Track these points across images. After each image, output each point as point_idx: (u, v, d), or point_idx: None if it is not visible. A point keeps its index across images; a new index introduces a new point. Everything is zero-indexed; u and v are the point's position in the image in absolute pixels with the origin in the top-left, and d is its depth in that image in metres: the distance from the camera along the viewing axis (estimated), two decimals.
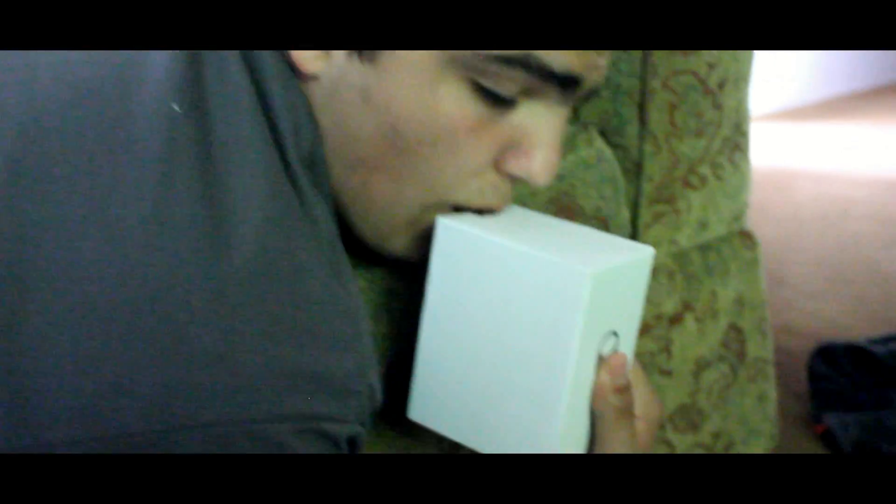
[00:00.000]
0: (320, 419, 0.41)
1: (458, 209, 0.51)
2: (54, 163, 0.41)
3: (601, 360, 0.49)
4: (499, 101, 0.47)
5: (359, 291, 0.48)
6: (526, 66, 0.45)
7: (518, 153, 0.49)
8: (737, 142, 0.82)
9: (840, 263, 1.79)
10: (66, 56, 0.44)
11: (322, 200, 0.49)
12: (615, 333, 0.50)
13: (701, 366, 0.87)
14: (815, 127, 3.13)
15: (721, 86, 0.78)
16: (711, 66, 0.77)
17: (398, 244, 0.53)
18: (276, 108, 0.46)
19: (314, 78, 0.49)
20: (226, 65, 0.45)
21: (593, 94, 0.50)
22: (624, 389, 0.49)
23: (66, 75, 0.43)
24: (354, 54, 0.47)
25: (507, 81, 0.46)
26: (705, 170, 0.81)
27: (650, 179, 0.78)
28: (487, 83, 0.46)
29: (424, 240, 0.52)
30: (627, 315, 0.51)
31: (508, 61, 0.45)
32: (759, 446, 0.94)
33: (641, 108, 0.76)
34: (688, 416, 0.87)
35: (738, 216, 0.87)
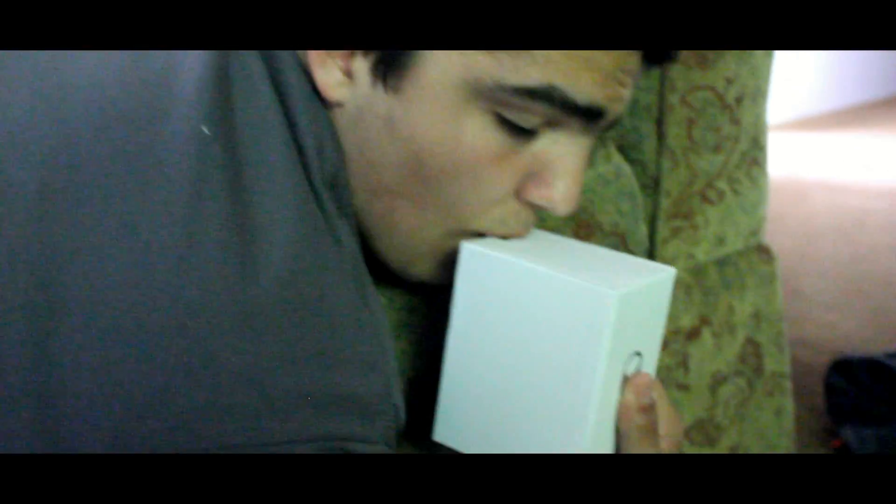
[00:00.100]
0: (347, 440, 0.41)
1: (480, 235, 0.51)
2: (85, 187, 0.41)
3: (625, 379, 0.49)
4: (521, 132, 0.47)
5: (383, 311, 0.48)
6: (549, 99, 0.45)
7: (539, 182, 0.49)
8: (754, 156, 0.82)
9: (856, 275, 1.79)
10: (96, 79, 0.44)
11: (345, 222, 0.49)
12: (639, 354, 0.50)
13: (718, 380, 0.87)
14: (830, 137, 3.12)
15: (739, 101, 0.78)
16: (729, 82, 0.77)
17: (422, 269, 0.53)
18: (300, 130, 0.47)
19: (339, 105, 0.49)
20: (254, 87, 0.46)
21: (616, 124, 0.50)
22: (649, 409, 0.49)
23: (96, 99, 0.44)
24: (379, 83, 0.47)
25: (530, 114, 0.46)
26: (723, 185, 0.81)
27: (668, 195, 0.78)
28: (510, 116, 0.46)
29: (448, 265, 0.52)
30: (650, 335, 0.51)
31: (532, 94, 0.45)
32: None
33: (659, 124, 0.76)
34: (705, 430, 0.87)
35: (756, 230, 0.87)
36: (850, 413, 1.19)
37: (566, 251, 0.52)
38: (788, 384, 0.94)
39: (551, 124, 0.48)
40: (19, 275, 0.39)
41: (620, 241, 0.73)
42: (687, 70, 0.75)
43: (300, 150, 0.47)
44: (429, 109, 0.46)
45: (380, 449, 0.43)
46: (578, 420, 0.48)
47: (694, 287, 0.83)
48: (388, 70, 0.47)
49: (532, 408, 0.50)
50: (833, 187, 2.45)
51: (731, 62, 0.77)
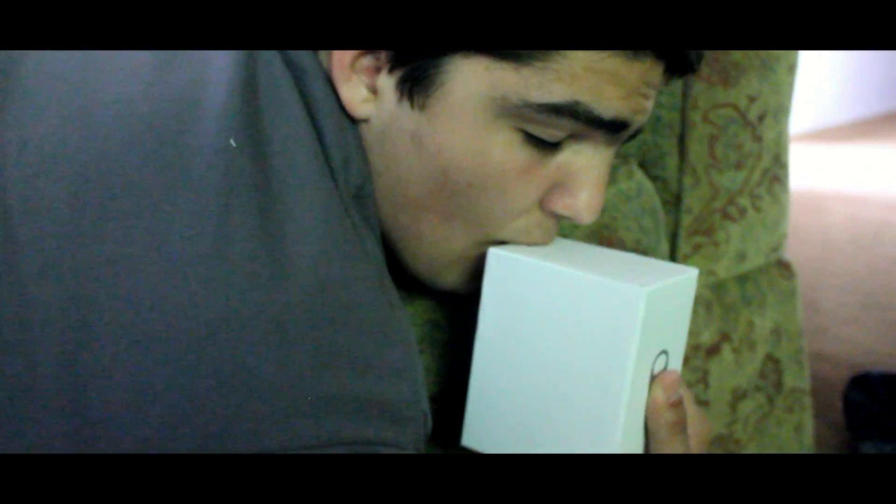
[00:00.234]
0: (379, 444, 0.42)
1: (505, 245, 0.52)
2: (115, 200, 0.42)
3: (653, 378, 0.50)
4: (546, 145, 0.48)
5: (409, 321, 0.49)
6: (574, 114, 0.46)
7: (563, 193, 0.50)
8: (776, 173, 0.83)
9: (873, 288, 1.78)
10: (123, 94, 0.45)
11: (371, 234, 0.50)
12: (665, 352, 0.51)
13: (737, 396, 0.87)
14: (848, 148, 3.10)
15: (761, 118, 0.79)
16: (752, 99, 0.77)
17: (450, 279, 0.54)
18: (327, 143, 0.48)
19: (364, 121, 0.50)
20: (283, 100, 0.47)
21: (638, 134, 0.51)
22: (677, 405, 0.50)
23: (124, 114, 0.44)
24: (405, 100, 0.48)
25: (554, 129, 0.47)
26: (744, 201, 0.81)
27: (689, 211, 0.78)
28: (535, 131, 0.47)
29: (475, 273, 0.53)
30: (676, 334, 0.52)
31: (557, 110, 0.46)
32: None
33: (681, 141, 0.76)
34: (724, 446, 0.87)
35: (777, 247, 0.87)
36: (869, 428, 1.19)
37: (589, 255, 0.52)
38: (808, 400, 0.93)
39: (575, 137, 0.48)
40: (52, 288, 0.40)
41: None
42: (709, 87, 0.75)
43: (327, 163, 0.47)
44: (456, 126, 0.47)
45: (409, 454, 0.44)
46: (609, 419, 0.48)
47: (714, 303, 0.83)
48: (415, 87, 0.47)
49: (561, 409, 0.50)
50: (851, 199, 2.44)
51: (753, 80, 0.77)
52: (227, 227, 0.41)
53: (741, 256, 0.83)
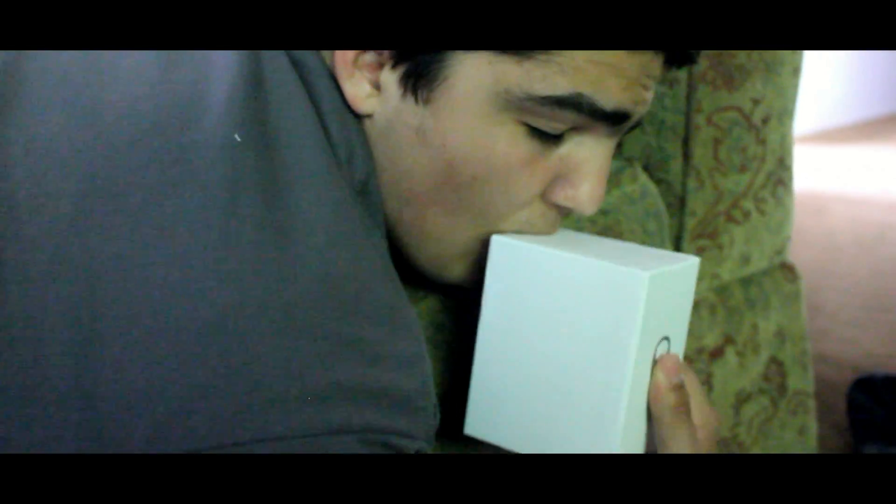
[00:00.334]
0: (389, 433, 0.42)
1: None
2: (121, 196, 0.42)
3: (655, 363, 0.50)
4: (549, 137, 0.49)
5: (415, 314, 0.49)
6: (577, 106, 0.47)
7: (565, 184, 0.51)
8: (780, 176, 0.83)
9: (877, 290, 1.78)
10: (128, 94, 0.46)
11: (376, 228, 0.50)
12: (667, 339, 0.51)
13: (741, 399, 0.87)
14: (850, 150, 3.10)
15: (765, 121, 0.79)
16: (756, 102, 0.77)
17: (455, 272, 0.55)
18: (332, 138, 0.48)
19: (368, 116, 0.50)
20: (290, 96, 0.47)
21: (637, 125, 0.52)
22: (679, 388, 0.50)
23: (129, 113, 0.45)
24: (409, 95, 0.48)
25: (557, 122, 0.48)
26: (748, 204, 0.81)
27: (693, 214, 0.78)
28: (538, 124, 0.48)
29: (480, 266, 0.53)
30: (678, 321, 0.52)
31: (560, 103, 0.46)
32: None
33: (685, 144, 0.76)
34: (728, 449, 0.87)
35: (780, 249, 0.87)
36: (873, 431, 1.18)
37: (592, 243, 0.53)
38: (812, 403, 0.93)
39: (576, 129, 0.49)
40: (61, 283, 0.40)
41: None
42: (713, 91, 0.75)
43: (335, 157, 0.48)
44: (460, 119, 0.48)
45: (420, 445, 0.44)
46: (612, 404, 0.49)
47: (718, 306, 0.83)
48: (418, 82, 0.48)
49: (564, 394, 0.50)
50: (853, 201, 2.44)
51: (757, 83, 0.77)
52: (233, 220, 0.42)
53: (745, 259, 0.83)
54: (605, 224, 0.70)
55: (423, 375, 0.45)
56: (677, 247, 0.79)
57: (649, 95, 0.49)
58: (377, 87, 0.49)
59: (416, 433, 0.43)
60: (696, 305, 0.81)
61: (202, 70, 0.47)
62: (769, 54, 0.77)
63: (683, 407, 0.50)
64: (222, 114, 0.44)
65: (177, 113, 0.44)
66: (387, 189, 0.52)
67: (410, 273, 0.55)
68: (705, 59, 0.74)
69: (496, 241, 0.52)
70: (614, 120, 0.48)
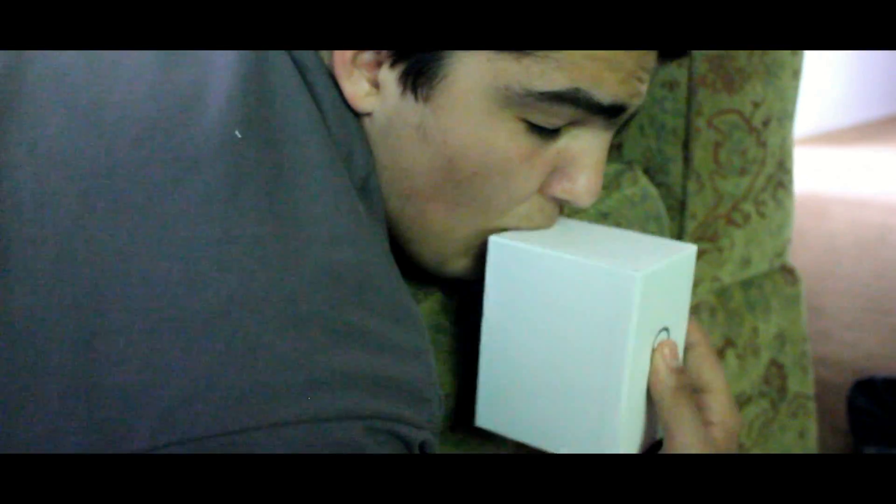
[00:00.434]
0: (394, 420, 0.42)
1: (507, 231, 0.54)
2: (124, 194, 0.42)
3: (654, 353, 0.51)
4: (547, 132, 0.50)
5: (419, 309, 0.49)
6: (575, 101, 0.48)
7: (563, 177, 0.52)
8: (780, 179, 0.83)
9: (878, 292, 1.78)
10: (128, 94, 0.46)
11: (377, 224, 0.51)
12: (666, 329, 0.52)
13: (742, 401, 0.87)
14: (850, 152, 3.11)
15: (765, 124, 0.79)
16: (756, 105, 0.77)
17: (456, 266, 0.55)
18: (332, 136, 0.49)
19: (367, 115, 0.51)
20: (293, 93, 0.48)
21: (633, 117, 0.53)
22: (677, 371, 0.51)
23: (130, 113, 0.45)
24: (408, 93, 0.49)
25: (555, 117, 0.49)
26: (749, 207, 0.81)
27: (693, 217, 0.78)
28: (537, 119, 0.48)
29: (480, 260, 0.54)
30: (677, 311, 0.53)
31: (559, 99, 0.47)
32: None
33: (686, 147, 0.76)
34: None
35: (781, 252, 0.87)
36: (873, 434, 1.18)
37: (589, 236, 0.54)
38: (812, 405, 0.94)
39: (573, 123, 0.50)
40: (66, 280, 0.41)
41: None
42: (714, 94, 0.75)
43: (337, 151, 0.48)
44: (461, 116, 0.48)
45: (426, 435, 0.44)
46: (612, 398, 0.50)
47: (718, 309, 0.83)
48: (418, 80, 0.48)
49: (567, 389, 0.51)
50: (853, 202, 2.44)
51: (757, 86, 0.77)
52: (235, 213, 0.42)
53: (745, 262, 0.83)
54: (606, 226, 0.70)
55: (429, 367, 0.45)
56: None
57: (644, 87, 0.50)
58: (376, 85, 0.50)
59: (422, 423, 0.43)
60: (696, 308, 0.81)
61: (202, 69, 0.47)
62: (769, 57, 0.77)
63: (683, 389, 0.51)
64: (223, 111, 0.45)
65: (177, 111, 0.45)
66: (388, 186, 0.52)
67: (410, 272, 0.56)
68: (705, 62, 0.74)
69: (494, 242, 0.53)
70: (611, 113, 0.49)
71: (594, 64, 0.47)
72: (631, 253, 0.51)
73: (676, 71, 0.74)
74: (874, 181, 2.66)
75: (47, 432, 0.39)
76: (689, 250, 0.53)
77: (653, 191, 0.75)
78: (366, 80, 0.50)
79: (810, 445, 0.94)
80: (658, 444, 0.55)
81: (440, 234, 0.53)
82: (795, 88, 0.82)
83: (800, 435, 0.93)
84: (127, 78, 0.47)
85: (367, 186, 0.51)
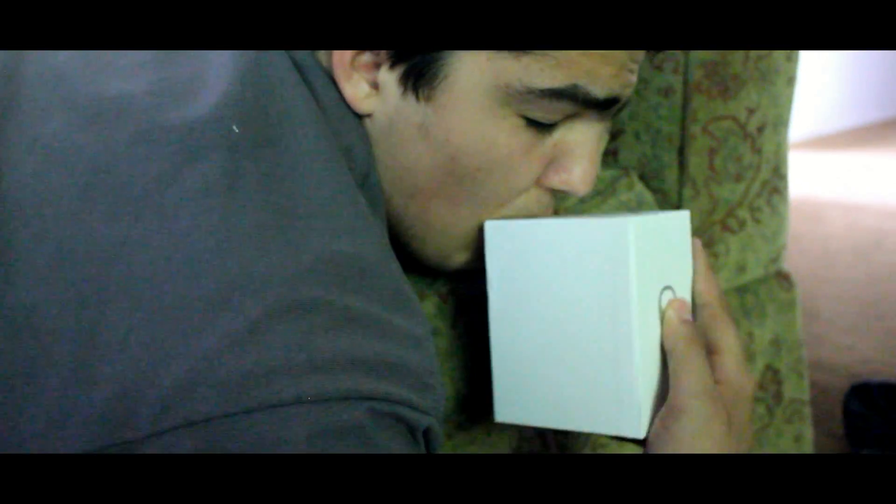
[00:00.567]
0: (399, 403, 0.42)
1: None
2: (124, 187, 0.43)
3: (661, 314, 0.52)
4: (544, 127, 0.51)
5: (418, 299, 0.49)
6: (573, 97, 0.49)
7: (559, 168, 0.53)
8: (775, 185, 0.83)
9: (873, 297, 1.78)
10: (126, 91, 0.47)
11: (378, 220, 0.51)
12: (670, 289, 0.52)
13: None
14: (846, 156, 3.11)
15: (760, 130, 0.79)
16: (751, 112, 0.77)
17: (459, 260, 0.56)
18: (332, 129, 0.49)
19: (368, 116, 0.52)
20: (292, 86, 0.48)
21: (624, 107, 0.54)
22: (690, 323, 0.51)
23: (128, 109, 0.46)
24: (409, 93, 0.50)
25: (554, 112, 0.50)
26: (744, 213, 0.81)
27: None
28: (536, 115, 0.50)
29: (481, 252, 0.55)
30: (679, 272, 0.53)
31: (558, 95, 0.49)
32: None
33: (681, 153, 0.76)
34: None
35: (776, 258, 0.88)
36: (869, 439, 1.18)
37: (580, 215, 0.56)
38: (808, 411, 0.94)
39: (569, 116, 0.51)
40: (67, 272, 0.41)
41: None
42: (709, 100, 0.75)
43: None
44: (463, 115, 0.49)
45: (430, 421, 0.44)
46: (625, 355, 0.50)
47: None
48: (419, 80, 0.49)
49: (580, 358, 0.51)
50: (849, 207, 2.44)
51: (752, 92, 0.77)
52: (234, 203, 0.42)
53: (740, 268, 0.84)
54: None
55: (430, 355, 0.45)
56: None
57: (635, 78, 0.52)
58: (375, 86, 0.51)
59: (427, 408, 0.43)
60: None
61: (199, 65, 0.48)
62: (764, 64, 0.77)
63: (695, 337, 0.50)
64: (220, 106, 0.45)
65: (175, 107, 0.45)
66: (390, 185, 0.53)
67: (411, 267, 0.56)
68: (700, 68, 0.74)
69: (489, 225, 0.54)
70: (606, 106, 0.51)
71: (589, 60, 0.48)
72: (622, 216, 0.52)
73: (672, 77, 0.74)
74: (869, 185, 2.67)
75: (50, 424, 0.39)
76: (681, 213, 0.54)
77: (648, 197, 0.75)
78: (365, 82, 0.51)
79: (806, 450, 0.95)
80: None
81: (443, 230, 0.54)
82: (790, 95, 0.82)
83: (795, 440, 0.93)
84: (124, 74, 0.47)
85: (367, 183, 0.51)
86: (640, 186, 0.75)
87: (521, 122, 0.50)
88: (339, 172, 0.47)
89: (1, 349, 0.40)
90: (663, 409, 0.49)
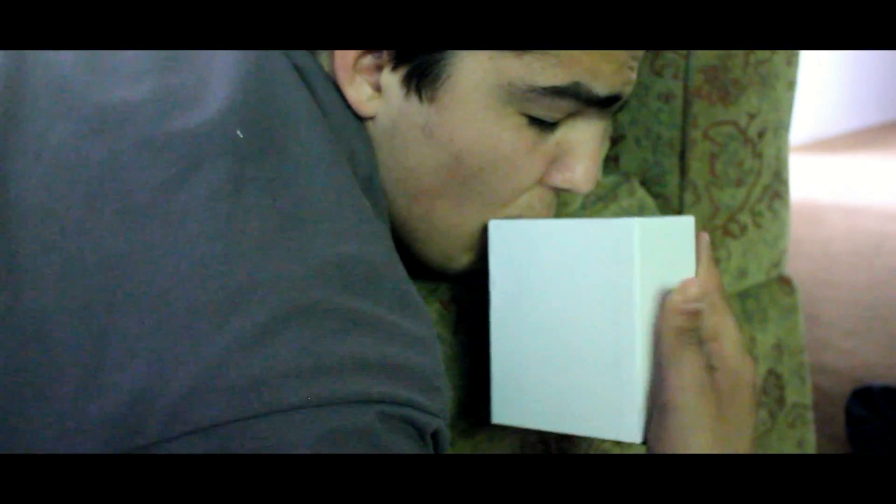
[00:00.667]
0: (408, 405, 0.42)
1: None
2: (129, 196, 0.43)
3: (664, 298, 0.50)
4: (547, 125, 0.51)
5: (424, 302, 0.49)
6: (576, 95, 0.49)
7: (562, 167, 0.53)
8: (776, 189, 0.83)
9: (875, 300, 1.78)
10: (130, 98, 0.47)
11: (381, 222, 0.51)
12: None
13: None
14: (846, 159, 3.11)
15: (761, 135, 0.79)
16: (751, 117, 0.77)
17: (462, 262, 0.56)
18: (335, 133, 0.49)
19: (371, 118, 0.52)
20: (294, 90, 0.48)
21: (623, 107, 0.55)
22: (691, 314, 0.48)
23: (132, 117, 0.46)
24: (413, 94, 0.50)
25: (556, 110, 0.50)
26: (745, 218, 0.81)
27: None
28: (538, 113, 0.50)
29: (484, 253, 0.55)
30: (682, 275, 0.52)
31: (561, 93, 0.49)
32: None
33: (682, 159, 0.76)
34: None
35: (777, 262, 0.87)
36: (872, 443, 1.18)
37: (582, 218, 0.55)
38: (810, 415, 0.94)
39: (571, 114, 0.51)
40: (75, 282, 0.41)
41: None
42: (709, 105, 0.75)
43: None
44: (466, 114, 0.50)
45: (438, 423, 0.44)
46: (626, 357, 0.49)
47: None
48: (421, 81, 0.49)
49: (581, 360, 0.51)
50: (850, 210, 2.44)
51: (752, 97, 0.77)
52: (239, 209, 0.43)
53: (742, 273, 0.84)
54: None
55: (436, 357, 0.46)
56: None
57: (634, 76, 0.52)
58: (378, 89, 0.51)
59: (436, 411, 0.44)
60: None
61: (201, 72, 0.48)
62: (764, 69, 0.77)
63: (691, 332, 0.48)
64: (224, 111, 0.45)
65: (178, 114, 0.46)
66: (394, 188, 0.53)
67: (414, 271, 0.56)
68: (700, 74, 0.74)
69: (493, 224, 0.54)
70: (607, 103, 0.51)
71: (590, 58, 0.48)
72: (626, 216, 0.52)
73: (672, 83, 0.74)
74: (870, 188, 2.67)
75: (60, 432, 0.39)
76: (685, 217, 0.53)
77: (650, 202, 0.75)
78: (368, 85, 0.51)
79: None
80: None
81: (447, 231, 0.54)
82: (790, 99, 0.82)
83: (798, 445, 0.93)
84: (127, 82, 0.48)
85: (370, 186, 0.51)
86: (641, 192, 0.75)
87: (524, 121, 0.50)
88: (343, 176, 0.47)
89: (11, 359, 0.40)
90: (657, 407, 0.49)
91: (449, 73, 0.49)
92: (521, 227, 0.53)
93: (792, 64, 0.81)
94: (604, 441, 0.72)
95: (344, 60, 0.50)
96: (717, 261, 0.81)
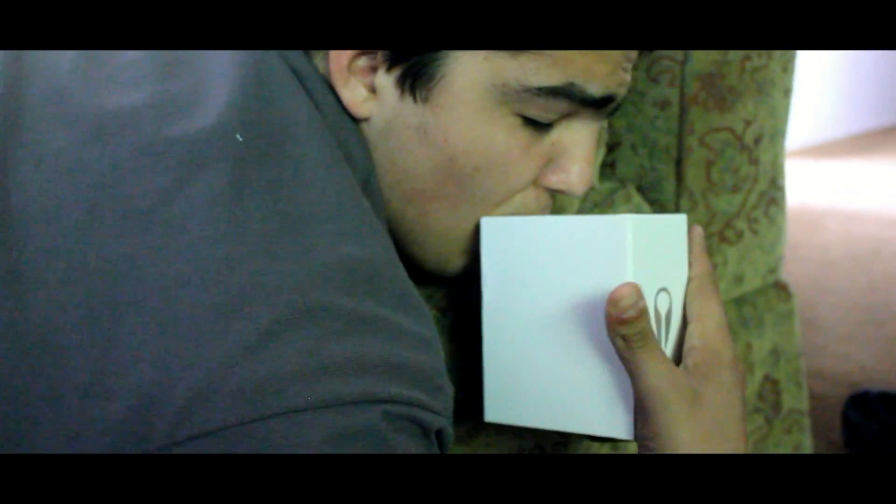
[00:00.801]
0: (412, 404, 0.42)
1: None
2: (131, 201, 0.43)
3: (658, 317, 0.51)
4: (541, 126, 0.51)
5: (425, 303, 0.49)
6: (570, 95, 0.50)
7: (557, 168, 0.54)
8: (773, 196, 0.83)
9: (872, 305, 1.78)
10: (129, 104, 0.47)
11: (379, 223, 0.51)
12: (666, 291, 0.52)
13: None
14: (843, 164, 3.12)
15: (757, 141, 0.79)
16: (748, 123, 0.78)
17: (458, 264, 0.56)
18: (333, 135, 0.50)
19: (366, 120, 0.52)
20: (293, 93, 0.49)
21: (619, 107, 0.54)
22: (629, 320, 0.47)
23: (132, 123, 0.46)
24: (407, 95, 0.50)
25: (550, 111, 0.50)
26: (741, 224, 0.81)
27: None
28: (533, 114, 0.50)
29: (478, 255, 0.55)
30: (674, 275, 0.53)
31: (555, 93, 0.49)
32: None
33: (678, 165, 0.76)
34: None
35: (774, 268, 0.88)
36: (868, 448, 1.18)
37: (574, 215, 0.56)
38: (807, 421, 0.94)
39: (565, 115, 0.52)
40: (79, 287, 0.42)
41: None
42: (706, 112, 0.75)
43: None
44: (461, 115, 0.50)
45: (442, 422, 0.44)
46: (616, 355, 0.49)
47: None
48: (416, 82, 0.50)
49: (573, 356, 0.51)
50: (847, 215, 2.44)
51: (749, 104, 0.77)
52: (240, 212, 0.43)
53: (738, 279, 0.84)
54: None
55: (439, 357, 0.46)
56: None
57: (629, 77, 0.52)
58: (373, 90, 0.51)
59: (440, 409, 0.44)
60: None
61: (199, 77, 0.48)
62: (760, 75, 0.77)
63: (638, 335, 0.47)
64: (223, 115, 0.46)
65: (177, 119, 0.46)
66: (389, 190, 0.53)
67: (409, 274, 0.56)
68: (697, 80, 0.74)
69: (485, 221, 0.54)
70: (601, 104, 0.51)
71: (585, 58, 0.49)
72: (620, 214, 0.51)
73: (668, 90, 0.74)
74: (867, 193, 2.67)
75: (67, 438, 0.39)
76: (678, 215, 0.54)
77: (646, 208, 0.75)
78: (363, 86, 0.51)
79: None
80: None
81: (442, 233, 0.54)
82: (787, 106, 0.82)
83: (795, 450, 0.93)
84: (126, 88, 0.48)
85: (368, 188, 0.52)
86: (637, 198, 0.75)
87: (519, 122, 0.51)
88: (343, 178, 0.48)
89: (16, 366, 0.40)
90: (636, 408, 0.49)
91: (443, 73, 0.49)
92: (514, 224, 0.53)
93: (788, 71, 0.81)
94: (602, 446, 0.72)
95: (339, 62, 0.50)
96: (714, 266, 0.81)
